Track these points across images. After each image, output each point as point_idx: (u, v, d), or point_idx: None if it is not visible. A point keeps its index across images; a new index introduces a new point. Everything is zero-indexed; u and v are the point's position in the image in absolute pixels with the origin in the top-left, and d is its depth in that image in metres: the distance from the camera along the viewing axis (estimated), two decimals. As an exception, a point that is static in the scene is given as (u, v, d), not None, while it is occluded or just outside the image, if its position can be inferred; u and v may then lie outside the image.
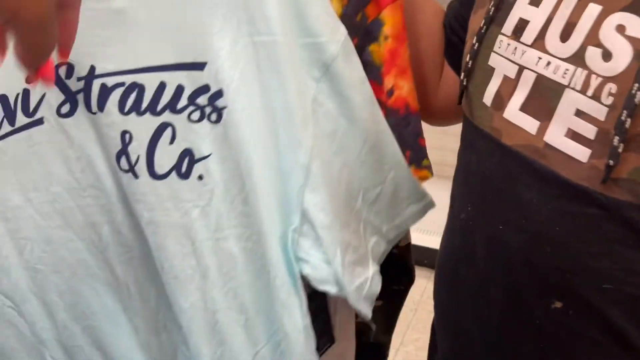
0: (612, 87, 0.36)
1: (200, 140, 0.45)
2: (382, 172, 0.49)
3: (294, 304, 0.48)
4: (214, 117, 0.45)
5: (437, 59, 0.58)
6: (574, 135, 0.38)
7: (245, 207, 0.47)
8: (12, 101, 0.43)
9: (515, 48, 0.42)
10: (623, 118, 0.35)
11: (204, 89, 0.44)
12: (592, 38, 0.37)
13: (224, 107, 0.44)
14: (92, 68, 0.42)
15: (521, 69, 0.42)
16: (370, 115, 0.47)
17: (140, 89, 0.43)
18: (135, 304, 0.51)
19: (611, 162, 0.36)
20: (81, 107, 0.44)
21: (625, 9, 0.36)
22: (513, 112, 0.42)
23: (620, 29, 0.36)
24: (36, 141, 0.45)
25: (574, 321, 0.41)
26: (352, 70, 0.45)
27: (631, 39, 0.35)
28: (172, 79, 0.43)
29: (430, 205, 0.54)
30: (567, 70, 0.38)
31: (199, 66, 0.43)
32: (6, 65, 0.41)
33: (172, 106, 0.44)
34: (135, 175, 0.45)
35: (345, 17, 0.47)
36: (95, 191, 0.47)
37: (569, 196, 0.39)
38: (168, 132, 0.44)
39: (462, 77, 0.48)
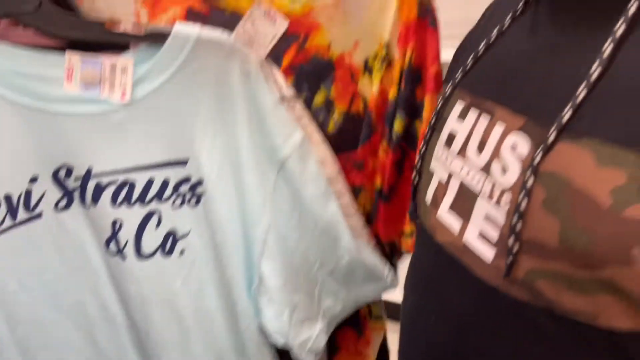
0: (508, 196, 0.40)
1: (181, 221, 0.54)
2: (336, 253, 0.59)
3: (264, 349, 0.58)
4: (193, 201, 0.54)
5: None
6: (482, 237, 0.42)
7: (218, 272, 0.56)
8: (15, 199, 0.50)
9: (447, 157, 0.48)
10: (513, 223, 0.38)
11: (186, 180, 0.53)
12: (496, 153, 0.43)
13: (202, 193, 0.54)
14: (89, 169, 0.50)
15: (450, 175, 0.47)
16: (321, 205, 0.57)
17: (131, 185, 0.51)
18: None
19: (508, 261, 0.39)
20: (76, 202, 0.51)
21: (519, 129, 0.41)
22: (444, 212, 0.47)
23: (513, 146, 0.41)
24: (34, 233, 0.51)
25: None
26: (305, 167, 0.56)
27: (519, 156, 0.41)
28: (159, 175, 0.52)
29: (391, 285, 0.63)
30: (480, 179, 0.43)
31: (182, 162, 0.52)
32: (11, 166, 0.49)
33: (158, 196, 0.52)
34: (123, 257, 0.53)
35: (401, 98, 0.59)
36: (84, 273, 0.54)
37: (481, 292, 0.42)
38: (154, 218, 0.53)
39: (413, 176, 0.55)
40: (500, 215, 0.40)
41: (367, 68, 0.61)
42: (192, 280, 0.55)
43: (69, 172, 0.50)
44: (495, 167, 0.42)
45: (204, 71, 0.51)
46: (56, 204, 0.51)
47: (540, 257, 0.38)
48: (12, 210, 0.50)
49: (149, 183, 0.52)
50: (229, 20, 0.57)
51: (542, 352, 0.40)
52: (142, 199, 0.52)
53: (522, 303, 0.39)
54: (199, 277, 0.56)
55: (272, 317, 0.57)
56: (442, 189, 0.48)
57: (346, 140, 0.62)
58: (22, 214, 0.50)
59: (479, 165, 0.44)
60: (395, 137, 0.61)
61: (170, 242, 0.54)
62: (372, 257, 0.61)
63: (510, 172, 0.41)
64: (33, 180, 0.50)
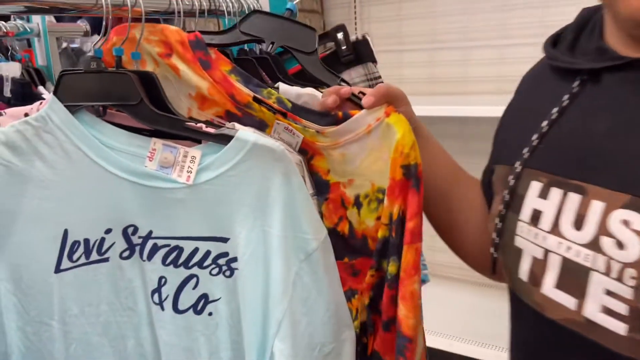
0: (632, 271, 0.42)
1: (215, 287, 0.63)
2: (338, 332, 0.65)
3: None
4: (227, 273, 0.63)
5: (483, 233, 0.66)
6: (608, 312, 0.43)
7: (237, 337, 0.64)
8: (91, 243, 0.62)
9: (537, 234, 0.50)
10: None
11: (225, 254, 0.63)
12: (603, 229, 0.44)
13: (236, 268, 0.63)
14: (150, 231, 0.62)
15: (546, 251, 0.49)
16: (335, 291, 0.65)
17: (180, 250, 0.62)
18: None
19: None
20: (136, 255, 0.63)
21: (625, 206, 0.44)
22: (549, 289, 0.48)
23: (625, 223, 0.43)
24: (99, 272, 0.63)
25: None
26: (328, 260, 0.64)
27: (637, 232, 0.43)
28: (204, 246, 0.62)
29: None
30: (588, 255, 0.45)
31: (224, 240, 0.62)
32: (94, 217, 0.61)
33: (200, 264, 0.63)
34: (162, 308, 0.64)
35: (392, 245, 0.67)
36: (131, 312, 0.65)
37: None
38: (193, 281, 0.63)
39: (492, 250, 0.58)
40: (625, 290, 0.42)
41: (357, 203, 0.72)
42: (214, 340, 0.64)
43: (135, 230, 0.62)
44: (607, 243, 0.44)
45: (254, 169, 0.61)
46: (121, 253, 0.63)
47: None
48: (87, 251, 0.62)
49: (195, 251, 0.62)
50: (257, 124, 0.71)
51: None
52: (186, 263, 0.63)
53: None
54: (219, 339, 0.64)
55: None
56: (539, 265, 0.50)
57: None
58: (94, 256, 0.63)
59: (582, 240, 0.46)
60: (390, 277, 0.68)
61: (202, 303, 0.64)
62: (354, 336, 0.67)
63: (630, 248, 0.42)
64: (108, 231, 0.62)
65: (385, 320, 0.70)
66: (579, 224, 0.46)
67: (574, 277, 0.46)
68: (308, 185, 0.65)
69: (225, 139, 0.60)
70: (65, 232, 0.62)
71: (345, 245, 0.73)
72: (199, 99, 0.72)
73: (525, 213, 0.52)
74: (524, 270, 0.52)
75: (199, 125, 0.61)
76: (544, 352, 0.52)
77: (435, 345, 1.70)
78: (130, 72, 0.61)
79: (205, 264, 0.63)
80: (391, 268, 0.68)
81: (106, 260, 0.63)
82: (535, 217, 0.51)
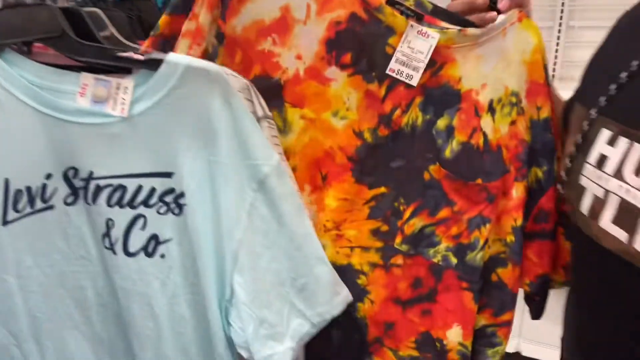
0: None
1: (164, 227, 0.60)
2: (308, 265, 0.61)
3: (228, 356, 0.61)
4: (176, 211, 0.60)
5: None
6: None
7: (195, 279, 0.61)
8: (33, 191, 0.60)
9: (600, 176, 0.56)
10: None
11: (171, 191, 0.59)
12: None
13: (184, 205, 0.59)
14: (91, 172, 0.59)
15: (607, 192, 0.55)
16: (297, 220, 0.60)
17: (124, 189, 0.59)
18: (106, 356, 0.65)
19: None
20: (81, 199, 0.60)
21: None
22: (607, 223, 0.55)
23: None
24: (47, 221, 0.61)
25: None
26: (283, 186, 0.59)
27: None
28: (147, 183, 0.59)
29: (348, 297, 0.65)
30: None
31: (168, 174, 0.59)
32: (31, 163, 0.58)
33: (145, 202, 0.59)
34: (114, 252, 0.60)
35: (537, 144, 0.70)
36: (85, 262, 0.62)
37: None
38: (141, 221, 0.60)
39: (558, 185, 0.66)
40: None
41: (491, 108, 0.69)
42: (169, 284, 0.61)
43: (75, 173, 0.59)
44: None
45: (191, 95, 0.57)
46: (65, 199, 0.60)
47: None
48: (30, 200, 0.60)
49: (138, 189, 0.59)
50: (384, 31, 0.66)
51: None
52: (131, 203, 0.59)
53: None
54: (175, 282, 0.61)
55: (238, 330, 0.60)
56: (599, 203, 0.56)
57: (462, 169, 0.68)
58: (39, 204, 0.60)
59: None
60: (552, 179, 0.70)
61: (153, 245, 0.60)
62: (332, 270, 0.63)
63: None
64: (48, 177, 0.59)
65: (549, 230, 0.71)
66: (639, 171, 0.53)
67: (629, 215, 0.52)
68: (257, 108, 0.60)
69: (154, 65, 0.56)
70: (6, 182, 0.59)
71: (479, 162, 0.69)
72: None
73: (593, 157, 0.58)
74: (585, 205, 0.58)
75: (128, 53, 0.58)
76: (598, 279, 0.59)
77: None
78: (52, 6, 0.58)
79: (152, 202, 0.59)
80: (556, 166, 0.70)
81: (51, 207, 0.60)
82: (601, 161, 0.57)
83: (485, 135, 0.69)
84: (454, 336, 0.71)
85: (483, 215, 0.69)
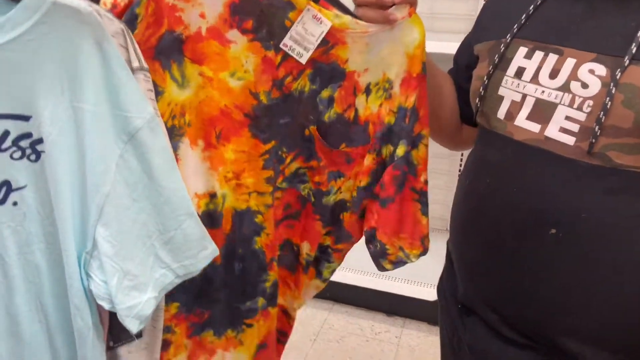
0: (589, 102, 0.64)
1: (18, 174, 0.56)
2: (176, 220, 0.61)
3: (85, 307, 0.60)
4: (33, 157, 0.56)
5: (454, 112, 0.92)
6: (564, 130, 0.65)
7: (51, 228, 0.58)
8: None
9: (518, 84, 0.71)
10: (601, 116, 0.62)
11: (27, 135, 0.55)
12: (573, 76, 0.66)
13: (42, 151, 0.56)
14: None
15: (524, 95, 0.70)
16: (168, 175, 0.60)
17: (-28, 128, 0.53)
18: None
19: (591, 140, 0.62)
20: None
21: (592, 60, 0.65)
22: (521, 120, 0.69)
23: (591, 71, 0.64)
24: None
25: (563, 240, 0.65)
26: (155, 140, 0.58)
27: (599, 76, 0.64)
28: (1, 125, 0.54)
29: (215, 252, 0.66)
30: (557, 94, 0.67)
31: (25, 118, 0.54)
32: None
33: (-3, 145, 0.54)
34: None
35: (404, 130, 0.80)
36: None
37: (560, 165, 0.65)
38: (-9, 166, 0.55)
39: (476, 102, 0.77)
40: (581, 115, 0.64)
41: (367, 90, 0.79)
42: (22, 232, 0.57)
43: None
44: (575, 85, 0.65)
45: (56, 34, 0.52)
46: None
47: (614, 136, 0.62)
48: None
49: (-10, 130, 0.54)
50: (284, 5, 0.71)
51: (603, 201, 0.63)
52: None
53: (595, 166, 0.63)
54: (28, 231, 0.58)
55: (99, 282, 0.59)
56: (516, 106, 0.70)
57: (333, 134, 0.80)
58: None
59: (554, 85, 0.67)
60: (397, 159, 0.81)
61: (4, 191, 0.56)
62: (201, 225, 0.64)
63: (591, 87, 0.64)
64: None
65: (383, 197, 0.82)
66: (554, 75, 0.67)
67: (542, 111, 0.67)
68: (132, 57, 0.58)
69: (17, -5, 0.51)
70: None
71: (347, 131, 0.80)
72: None
73: (512, 70, 0.72)
74: (502, 111, 0.72)
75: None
76: (501, 166, 0.72)
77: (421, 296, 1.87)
78: None
79: (4, 146, 0.55)
80: (399, 150, 0.81)
81: None
82: (520, 72, 0.71)
83: (356, 110, 0.80)
84: (305, 248, 0.87)
85: (340, 171, 0.83)
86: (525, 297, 0.70)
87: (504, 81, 0.73)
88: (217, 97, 0.71)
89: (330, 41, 0.74)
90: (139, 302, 0.60)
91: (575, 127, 0.65)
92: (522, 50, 0.72)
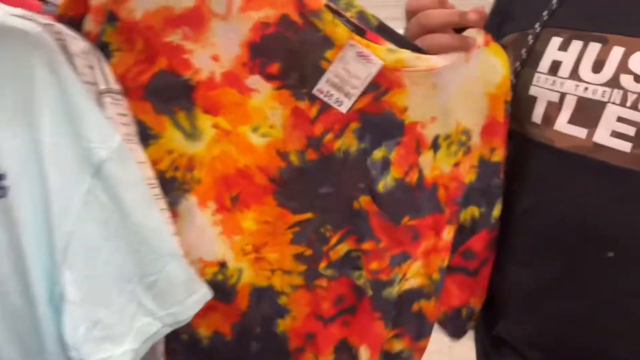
0: None
1: None
2: (158, 262, 0.55)
3: (59, 353, 0.55)
4: (1, 193, 0.52)
5: None
6: (617, 135, 0.55)
7: (19, 272, 0.53)
8: None
9: (554, 81, 0.59)
10: None
11: (-10, 171, 0.51)
12: (623, 68, 0.55)
13: (8, 186, 0.51)
14: None
15: (563, 95, 0.58)
16: (144, 212, 0.53)
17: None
18: None
19: None
20: None
21: None
22: (562, 125, 0.58)
23: None
24: None
25: (621, 264, 0.56)
26: (126, 172, 0.52)
27: None
28: None
29: (208, 294, 0.59)
30: (605, 91, 0.55)
31: (-15, 155, 0.50)
32: None
33: (-39, 182, 0.51)
34: None
35: (482, 183, 0.65)
36: None
37: (616, 177, 0.55)
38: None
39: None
40: (636, 115, 0.53)
41: (435, 144, 0.62)
42: (-6, 273, 0.54)
43: None
44: (626, 78, 0.54)
45: (7, 61, 0.48)
46: None
47: None
48: None
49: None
50: (320, 41, 0.56)
51: None
52: None
53: None
54: (2, 271, 0.54)
55: (69, 329, 0.54)
56: (554, 107, 0.59)
57: (393, 205, 0.63)
58: None
59: (599, 80, 0.56)
60: (495, 221, 0.66)
61: (-26, 230, 0.52)
62: (188, 267, 0.57)
63: None
64: None
65: (474, 268, 0.68)
66: (598, 67, 0.56)
67: (588, 112, 0.56)
68: (99, 79, 0.52)
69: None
70: None
71: (410, 199, 0.64)
72: None
73: (544, 65, 0.60)
74: (537, 113, 0.60)
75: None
76: (544, 178, 0.61)
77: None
78: None
79: None
80: (496, 211, 0.66)
81: None
82: (554, 67, 0.59)
83: (420, 172, 0.63)
84: (363, 355, 0.68)
85: (406, 252, 0.65)
86: (576, 331, 0.59)
87: (535, 79, 0.61)
88: (235, 154, 0.59)
89: (381, 85, 0.58)
90: (110, 355, 0.54)
91: (630, 130, 0.54)
92: (556, 41, 0.60)
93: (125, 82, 0.55)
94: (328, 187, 0.62)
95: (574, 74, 0.58)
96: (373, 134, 0.60)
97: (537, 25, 0.62)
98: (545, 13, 0.61)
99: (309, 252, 0.64)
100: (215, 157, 0.59)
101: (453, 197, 0.65)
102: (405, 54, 0.57)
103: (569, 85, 0.58)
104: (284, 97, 0.58)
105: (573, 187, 0.58)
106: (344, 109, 0.58)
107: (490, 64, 0.60)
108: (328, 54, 0.56)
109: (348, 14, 0.56)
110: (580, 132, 0.57)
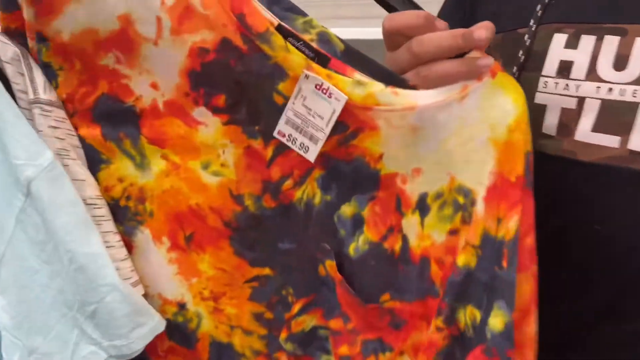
0: None
1: None
2: (96, 291, 0.50)
3: None
4: None
5: None
6: None
7: None
8: None
9: (567, 84, 0.50)
10: None
11: None
12: None
13: None
14: None
15: (581, 99, 0.50)
16: (79, 238, 0.49)
17: None
18: None
19: None
20: None
21: None
22: (585, 134, 0.49)
23: None
24: None
25: None
26: (57, 193, 0.48)
27: None
28: None
29: (158, 326, 0.53)
30: (636, 90, 0.47)
31: None
32: None
33: None
34: None
35: (482, 273, 0.45)
36: None
37: None
38: None
39: None
40: None
41: (422, 206, 0.48)
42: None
43: None
44: None
45: None
46: None
47: None
48: None
49: None
50: (270, 70, 0.46)
51: None
52: None
53: None
54: None
55: (5, 357, 0.51)
56: (572, 114, 0.50)
57: (366, 276, 0.50)
58: None
59: (626, 79, 0.47)
60: (490, 335, 0.44)
61: None
62: (136, 296, 0.51)
63: None
64: None
65: None
66: (621, 64, 0.48)
67: (617, 116, 0.48)
68: (29, 88, 0.49)
69: None
70: None
71: (389, 271, 0.50)
72: (178, 11, 0.46)
73: (550, 67, 0.52)
74: (549, 124, 0.52)
75: None
76: (579, 197, 0.51)
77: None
78: None
79: None
80: (494, 321, 0.44)
81: None
82: (565, 68, 0.51)
83: (405, 239, 0.49)
84: None
85: (383, 341, 0.51)
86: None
87: (541, 84, 0.52)
88: (186, 190, 0.53)
89: (349, 125, 0.47)
90: None
91: None
92: (560, 39, 0.51)
93: (74, 104, 0.51)
94: (289, 243, 0.52)
95: (592, 74, 0.49)
96: (340, 185, 0.49)
97: (531, 22, 0.52)
98: (538, 8, 0.52)
99: (269, 315, 0.55)
100: (166, 190, 0.53)
101: (443, 278, 0.48)
102: (378, 88, 0.45)
103: (588, 88, 0.49)
104: (235, 134, 0.50)
105: (608, 204, 0.49)
106: (310, 156, 0.47)
107: (497, 102, 0.43)
108: (281, 86, 0.46)
109: (306, 37, 0.45)
110: (611, 141, 0.48)
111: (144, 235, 0.55)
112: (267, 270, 0.54)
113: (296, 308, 0.54)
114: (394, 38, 0.47)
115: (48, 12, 0.48)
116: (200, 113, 0.50)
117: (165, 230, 0.54)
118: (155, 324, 0.53)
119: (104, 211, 0.52)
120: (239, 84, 0.48)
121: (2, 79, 0.47)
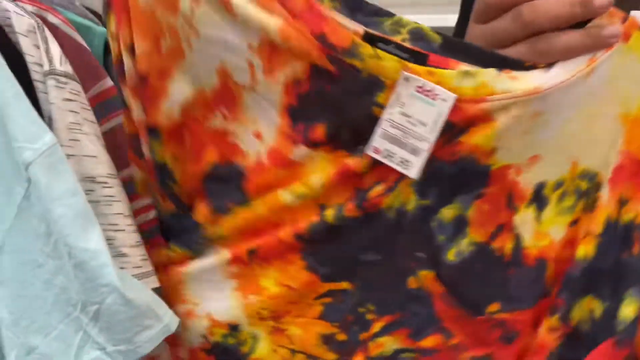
0: None
1: None
2: (96, 292, 0.45)
3: None
4: None
5: None
6: None
7: None
8: None
9: None
10: None
11: None
12: None
13: None
14: None
15: None
16: (77, 232, 0.43)
17: None
18: None
19: None
20: None
21: None
22: None
23: None
24: None
25: None
26: (55, 180, 0.43)
27: None
28: None
29: (167, 329, 0.47)
30: None
31: None
32: None
33: None
34: None
35: (604, 262, 0.43)
36: None
37: None
38: None
39: None
40: None
41: (538, 197, 0.43)
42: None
43: None
44: None
45: None
46: None
47: None
48: None
49: None
50: (365, 84, 0.42)
51: None
52: None
53: None
54: None
55: (4, 353, 0.47)
56: None
57: (465, 286, 0.46)
58: None
59: None
60: (622, 328, 0.42)
61: None
62: (142, 295, 0.46)
63: None
64: None
65: None
66: None
67: None
68: (44, 59, 0.45)
69: None
70: None
71: (499, 277, 0.46)
72: (266, 50, 0.42)
73: None
74: None
75: None
76: None
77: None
78: None
79: None
80: (627, 310, 0.42)
81: None
82: None
83: (518, 239, 0.44)
84: None
85: (493, 359, 0.46)
86: None
87: None
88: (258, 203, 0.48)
89: (456, 122, 0.40)
90: None
91: None
92: None
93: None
94: (373, 254, 0.46)
95: None
96: (441, 188, 0.43)
97: None
98: None
99: (341, 336, 0.48)
100: None
101: (560, 273, 0.44)
102: (491, 75, 0.39)
103: None
104: (335, 159, 0.45)
105: None
106: (412, 172, 0.41)
107: (631, 70, 0.39)
108: (380, 97, 0.41)
109: (397, 38, 0.41)
110: None
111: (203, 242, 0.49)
112: (344, 285, 0.47)
113: (377, 327, 0.47)
114: (494, 11, 0.40)
115: (155, 96, 0.45)
116: (300, 153, 0.45)
117: (226, 242, 0.48)
118: (163, 326, 0.47)
119: (114, 191, 0.47)
120: (336, 108, 0.43)
121: (10, 54, 0.44)
